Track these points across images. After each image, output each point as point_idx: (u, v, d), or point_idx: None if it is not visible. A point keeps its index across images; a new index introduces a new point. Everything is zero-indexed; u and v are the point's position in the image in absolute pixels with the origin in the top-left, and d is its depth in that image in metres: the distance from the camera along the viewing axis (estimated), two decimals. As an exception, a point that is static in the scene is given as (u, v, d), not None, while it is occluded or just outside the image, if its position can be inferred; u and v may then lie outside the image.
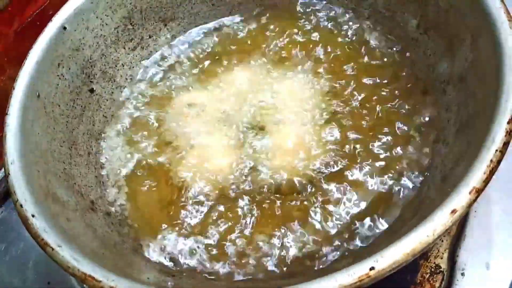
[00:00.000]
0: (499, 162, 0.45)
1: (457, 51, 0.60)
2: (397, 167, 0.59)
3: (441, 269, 0.60)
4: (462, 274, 0.60)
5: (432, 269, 0.61)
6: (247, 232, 0.58)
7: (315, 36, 0.74)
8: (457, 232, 0.62)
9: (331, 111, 0.65)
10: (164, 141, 0.68)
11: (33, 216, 0.51)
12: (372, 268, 0.41)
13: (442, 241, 0.62)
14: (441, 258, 0.61)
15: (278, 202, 0.60)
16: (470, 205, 0.43)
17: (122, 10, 0.74)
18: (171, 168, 0.65)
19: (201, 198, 0.62)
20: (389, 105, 0.64)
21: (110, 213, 0.63)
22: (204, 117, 0.69)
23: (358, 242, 0.55)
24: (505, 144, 0.45)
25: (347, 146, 0.62)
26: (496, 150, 0.45)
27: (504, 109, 0.47)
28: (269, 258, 0.56)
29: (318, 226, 0.57)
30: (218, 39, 0.78)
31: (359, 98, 0.66)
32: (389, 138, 0.62)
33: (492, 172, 0.44)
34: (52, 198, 0.57)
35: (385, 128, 0.62)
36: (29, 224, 0.51)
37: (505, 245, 0.61)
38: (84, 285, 0.66)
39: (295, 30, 0.75)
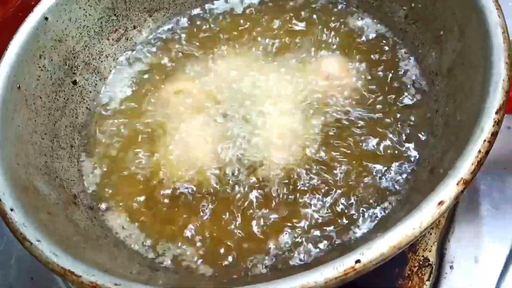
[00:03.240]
0: (487, 152, 0.44)
1: (445, 41, 0.60)
2: (386, 158, 0.58)
3: (429, 262, 0.60)
4: (451, 267, 0.59)
5: (421, 262, 0.60)
6: (230, 227, 0.57)
7: (305, 26, 0.72)
8: (446, 225, 0.62)
9: (321, 102, 0.64)
10: (149, 130, 0.67)
11: (11, 210, 0.50)
12: (357, 261, 0.40)
13: (431, 234, 0.61)
14: (430, 251, 0.60)
15: (262, 195, 0.59)
16: (457, 196, 0.43)
17: (106, 1, 0.72)
18: (156, 159, 0.64)
19: (184, 190, 0.61)
20: (377, 96, 0.63)
21: (92, 207, 0.62)
22: (191, 105, 0.67)
23: (345, 235, 0.54)
24: (493, 135, 0.44)
25: (334, 138, 0.61)
26: (485, 141, 0.44)
27: (493, 99, 0.46)
28: (253, 254, 0.55)
29: (303, 219, 0.56)
30: (205, 27, 0.76)
31: (347, 88, 0.65)
32: (378, 129, 0.61)
33: (480, 163, 0.43)
34: (33, 192, 0.55)
35: (374, 119, 0.62)
36: (8, 218, 0.49)
37: (493, 238, 0.60)
38: (67, 281, 0.64)
39: (285, 19, 0.74)
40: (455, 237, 0.61)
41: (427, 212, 0.41)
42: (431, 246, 0.60)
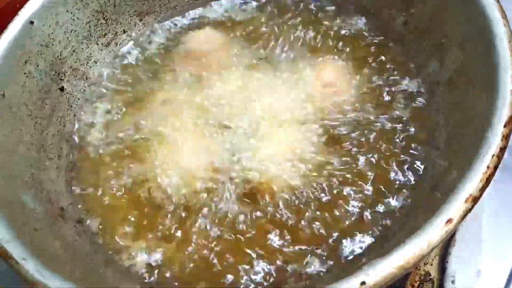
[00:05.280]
0: (496, 168, 0.42)
1: (447, 50, 0.58)
2: (385, 172, 0.56)
3: (431, 277, 0.58)
4: (453, 281, 0.58)
5: (422, 277, 0.58)
6: (224, 244, 0.55)
7: (301, 32, 0.70)
8: (447, 238, 0.60)
9: (318, 113, 0.62)
10: (139, 139, 0.64)
11: (-5, 226, 0.47)
12: (363, 283, 0.39)
13: (432, 247, 0.59)
14: (431, 265, 0.59)
15: (255, 212, 0.56)
16: (466, 214, 0.41)
17: (94, 4, 0.69)
18: (145, 169, 0.61)
19: (177, 203, 0.58)
20: (375, 106, 0.62)
21: (81, 221, 0.59)
22: (179, 115, 0.65)
23: (345, 253, 0.52)
24: (502, 149, 0.43)
25: (332, 153, 0.59)
26: (493, 155, 0.42)
27: (500, 113, 0.44)
28: (249, 273, 0.53)
29: (301, 235, 0.54)
30: (196, 34, 0.73)
31: (344, 97, 0.63)
32: (376, 141, 0.59)
33: (489, 179, 0.42)
34: (18, 206, 0.53)
35: (372, 129, 0.60)
36: (-10, 235, 0.47)
37: (496, 251, 0.59)
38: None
39: (280, 26, 0.71)
40: (457, 250, 0.59)
41: (435, 231, 0.40)
42: (432, 260, 0.59)
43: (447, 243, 0.60)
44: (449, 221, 0.40)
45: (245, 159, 0.59)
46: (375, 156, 0.58)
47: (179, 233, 0.57)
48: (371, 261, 0.40)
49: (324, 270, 0.52)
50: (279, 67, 0.67)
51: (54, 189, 0.60)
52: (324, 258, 0.52)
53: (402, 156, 0.57)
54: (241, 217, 0.56)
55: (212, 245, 0.55)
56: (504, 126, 0.43)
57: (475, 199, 0.41)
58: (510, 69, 0.47)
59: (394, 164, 0.57)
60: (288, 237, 0.54)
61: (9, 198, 0.52)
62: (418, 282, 0.58)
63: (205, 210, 0.57)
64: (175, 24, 0.76)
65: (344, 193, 0.56)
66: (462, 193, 0.41)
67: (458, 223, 0.41)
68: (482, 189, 0.41)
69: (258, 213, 0.56)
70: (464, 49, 0.55)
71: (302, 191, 0.56)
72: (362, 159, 0.58)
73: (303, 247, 0.53)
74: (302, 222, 0.55)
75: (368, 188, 0.56)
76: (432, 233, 0.40)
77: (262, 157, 0.59)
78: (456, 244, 0.59)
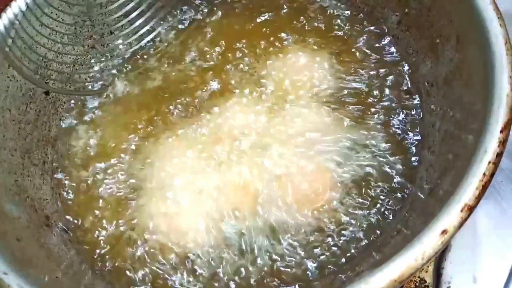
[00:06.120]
0: (492, 175, 0.41)
1: (442, 51, 0.56)
2: (380, 176, 0.55)
3: (426, 283, 0.57)
4: (448, 288, 0.57)
5: (417, 284, 0.57)
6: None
7: (294, 29, 0.69)
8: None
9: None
10: (126, 145, 0.63)
11: (-25, 239, 0.46)
12: (355, 298, 0.37)
13: (427, 252, 0.58)
14: (426, 272, 0.57)
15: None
16: (461, 224, 0.40)
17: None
18: (135, 181, 0.60)
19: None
20: (369, 107, 0.60)
21: (67, 229, 0.57)
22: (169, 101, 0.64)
23: (339, 258, 0.51)
24: (499, 155, 0.41)
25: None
26: (489, 162, 0.41)
27: (497, 117, 0.43)
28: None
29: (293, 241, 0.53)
30: (187, 35, 0.71)
31: (337, 97, 0.61)
32: (373, 144, 0.58)
33: (485, 187, 0.40)
34: (0, 215, 0.51)
35: (365, 131, 0.58)
36: (-30, 249, 0.45)
37: (492, 257, 0.57)
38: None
39: (274, 25, 0.70)
40: (452, 256, 0.58)
41: (430, 243, 0.38)
42: (428, 266, 0.57)
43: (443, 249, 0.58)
44: (444, 232, 0.39)
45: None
46: (369, 159, 0.57)
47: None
48: (362, 273, 0.39)
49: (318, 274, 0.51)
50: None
51: (38, 196, 0.59)
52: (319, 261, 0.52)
53: (396, 160, 0.56)
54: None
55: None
56: (501, 132, 0.42)
57: (471, 208, 0.40)
58: (506, 70, 0.45)
59: (388, 168, 0.55)
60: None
61: (-9, 208, 0.51)
62: (413, 289, 0.57)
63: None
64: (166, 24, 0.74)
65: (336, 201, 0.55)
66: (457, 203, 0.40)
67: (453, 234, 0.39)
68: (478, 198, 0.40)
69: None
70: (459, 50, 0.53)
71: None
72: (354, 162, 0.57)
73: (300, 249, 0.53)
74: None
75: (362, 194, 0.55)
76: (426, 245, 0.38)
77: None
78: (452, 250, 0.58)
